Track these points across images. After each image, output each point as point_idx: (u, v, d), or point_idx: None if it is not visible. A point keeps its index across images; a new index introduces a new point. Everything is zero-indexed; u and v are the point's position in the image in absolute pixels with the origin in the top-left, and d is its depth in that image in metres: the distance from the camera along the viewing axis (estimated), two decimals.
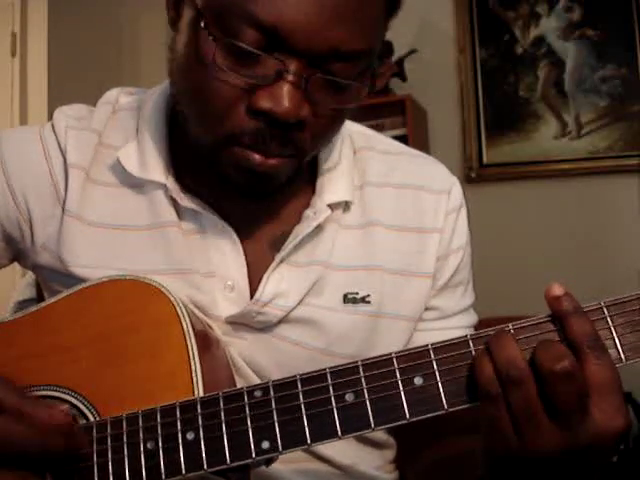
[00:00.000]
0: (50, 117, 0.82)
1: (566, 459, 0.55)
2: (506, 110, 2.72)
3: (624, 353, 0.56)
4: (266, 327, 0.76)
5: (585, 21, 2.64)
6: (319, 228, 0.77)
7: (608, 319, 0.56)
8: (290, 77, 0.62)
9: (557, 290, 0.56)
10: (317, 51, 0.62)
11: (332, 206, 0.77)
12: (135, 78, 3.09)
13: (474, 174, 2.72)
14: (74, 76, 2.87)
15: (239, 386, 0.61)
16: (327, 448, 0.78)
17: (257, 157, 0.66)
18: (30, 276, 0.98)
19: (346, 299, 0.78)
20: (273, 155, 0.67)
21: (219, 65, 0.63)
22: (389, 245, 0.80)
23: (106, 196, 0.77)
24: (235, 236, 0.76)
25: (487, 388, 0.55)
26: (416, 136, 2.58)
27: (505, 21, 2.75)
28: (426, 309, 0.83)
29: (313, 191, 0.79)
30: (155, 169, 0.75)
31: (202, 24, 0.63)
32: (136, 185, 0.77)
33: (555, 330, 0.56)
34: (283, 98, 0.62)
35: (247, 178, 0.69)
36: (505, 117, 2.72)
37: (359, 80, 0.67)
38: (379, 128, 2.53)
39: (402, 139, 2.44)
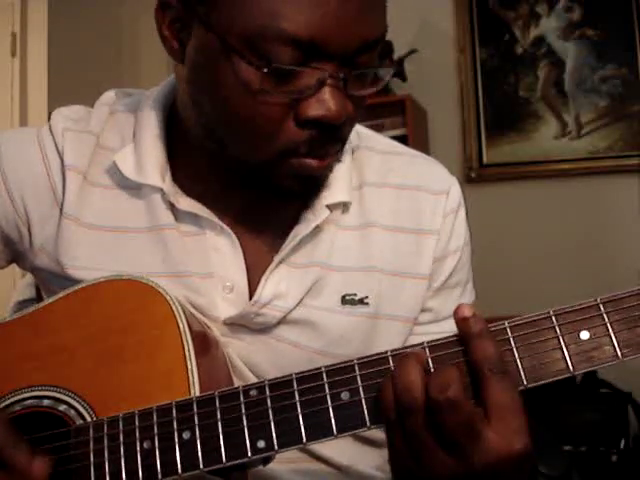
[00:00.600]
0: (50, 117, 0.82)
1: None
2: (506, 110, 2.72)
3: (620, 350, 0.56)
4: (265, 328, 0.76)
5: (585, 21, 2.65)
6: (318, 229, 0.77)
7: (604, 316, 0.56)
8: (331, 81, 0.64)
9: (466, 311, 0.57)
10: (350, 49, 0.64)
11: (331, 207, 0.77)
12: (135, 78, 3.10)
13: (474, 174, 2.72)
14: (74, 76, 2.87)
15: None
16: (325, 448, 0.77)
17: (315, 162, 0.69)
18: (30, 276, 0.98)
19: (344, 300, 0.77)
20: (328, 155, 0.70)
21: (265, 89, 0.64)
22: (386, 246, 0.80)
23: (104, 198, 0.77)
24: (234, 237, 0.76)
25: (386, 413, 0.56)
26: (416, 136, 2.58)
27: (505, 21, 2.75)
28: (422, 311, 0.83)
29: (309, 195, 0.79)
30: (152, 173, 0.75)
31: (234, 52, 0.64)
32: (134, 187, 0.77)
33: (462, 350, 0.57)
34: (331, 103, 0.64)
35: (304, 184, 0.71)
36: (505, 117, 2.72)
37: (383, 64, 0.70)
38: (379, 128, 2.53)
39: (402, 139, 2.44)
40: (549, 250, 2.60)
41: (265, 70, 0.63)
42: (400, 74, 2.70)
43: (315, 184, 0.74)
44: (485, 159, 2.73)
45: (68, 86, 2.80)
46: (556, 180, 2.64)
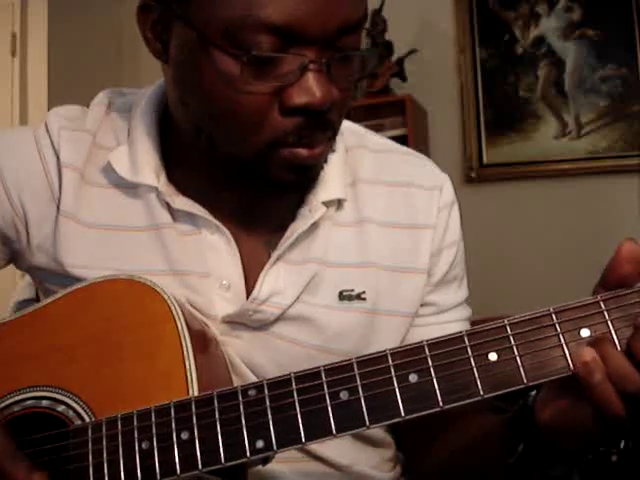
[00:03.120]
0: None
1: None
2: (506, 110, 2.72)
3: (621, 347, 0.55)
4: (263, 325, 0.76)
5: (585, 21, 2.64)
6: (314, 226, 0.77)
7: (605, 313, 0.56)
8: (313, 66, 0.64)
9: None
10: (330, 33, 0.64)
11: (326, 204, 0.77)
12: (135, 78, 3.09)
13: (474, 174, 2.72)
14: (74, 76, 2.87)
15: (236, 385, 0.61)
16: (325, 447, 0.77)
17: (305, 151, 0.68)
18: (30, 276, 0.98)
19: (342, 296, 0.78)
20: (318, 144, 0.69)
21: (246, 79, 0.64)
22: (382, 242, 0.80)
23: (101, 197, 0.77)
24: (230, 235, 0.76)
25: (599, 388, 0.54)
26: (416, 136, 2.58)
27: (505, 21, 2.75)
28: (422, 305, 0.83)
29: (306, 190, 0.79)
30: (147, 172, 0.75)
31: (213, 45, 0.64)
32: (130, 187, 0.77)
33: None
34: (315, 88, 0.64)
35: (298, 174, 0.71)
36: (505, 117, 2.72)
37: (365, 45, 0.69)
38: (379, 128, 2.53)
39: (402, 139, 2.44)
40: (549, 250, 2.60)
41: (244, 59, 0.62)
42: (400, 74, 2.70)
43: (309, 174, 0.73)
44: (485, 159, 2.73)
45: (68, 86, 2.80)
46: (556, 180, 2.64)
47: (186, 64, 0.68)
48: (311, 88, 0.64)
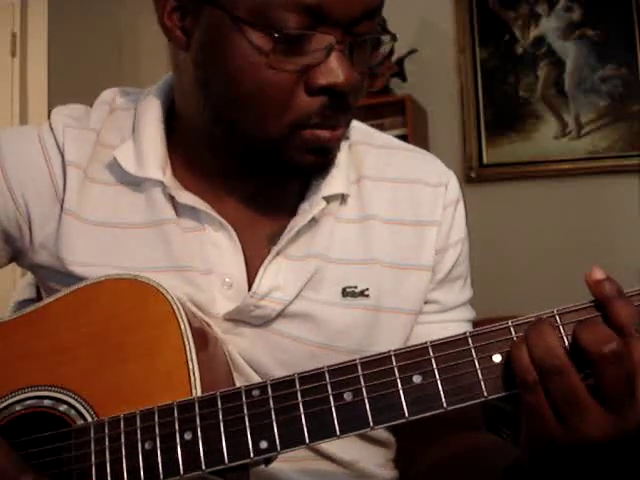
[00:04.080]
0: (50, 116, 0.82)
1: (613, 445, 0.54)
2: (506, 110, 2.72)
3: None
4: (265, 322, 0.76)
5: (585, 21, 2.65)
6: (314, 221, 0.77)
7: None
8: (338, 47, 0.66)
9: (598, 274, 0.56)
10: (354, 17, 0.65)
11: (328, 199, 0.77)
12: (135, 78, 3.10)
13: (474, 174, 2.72)
14: (74, 76, 2.87)
15: (238, 384, 0.61)
16: (329, 446, 0.77)
17: (327, 133, 0.70)
18: (30, 276, 0.98)
19: (345, 293, 0.77)
20: (339, 126, 0.71)
21: (277, 56, 0.65)
22: (386, 239, 0.80)
23: (104, 195, 0.77)
24: (232, 232, 0.76)
25: (524, 377, 0.54)
26: (416, 136, 2.58)
27: (505, 21, 2.75)
28: (426, 302, 0.83)
29: (308, 185, 0.79)
30: (152, 167, 0.75)
31: (244, 23, 0.65)
32: (133, 183, 0.77)
33: (598, 315, 0.55)
34: (339, 70, 0.66)
35: (317, 156, 0.72)
36: (505, 117, 2.72)
37: (380, 32, 0.71)
38: (379, 128, 2.49)
39: (402, 139, 2.40)
40: (549, 250, 2.60)
41: (276, 35, 0.64)
42: (400, 74, 2.70)
43: (328, 156, 0.74)
44: (485, 159, 2.73)
45: (68, 86, 2.80)
46: (556, 180, 2.64)
47: (212, 46, 0.68)
48: (336, 69, 0.66)
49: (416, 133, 2.61)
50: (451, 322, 0.84)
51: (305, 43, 0.66)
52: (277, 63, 0.66)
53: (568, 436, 0.54)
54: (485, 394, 0.56)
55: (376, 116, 2.60)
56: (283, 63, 0.66)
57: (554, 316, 0.56)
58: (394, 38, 0.72)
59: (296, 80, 0.67)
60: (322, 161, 0.74)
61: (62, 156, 0.78)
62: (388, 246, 0.80)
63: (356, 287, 0.78)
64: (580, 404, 0.53)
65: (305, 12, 0.64)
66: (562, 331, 0.56)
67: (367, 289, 0.78)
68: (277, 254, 0.76)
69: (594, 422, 0.53)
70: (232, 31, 0.66)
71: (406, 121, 2.60)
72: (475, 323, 0.88)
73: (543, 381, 0.54)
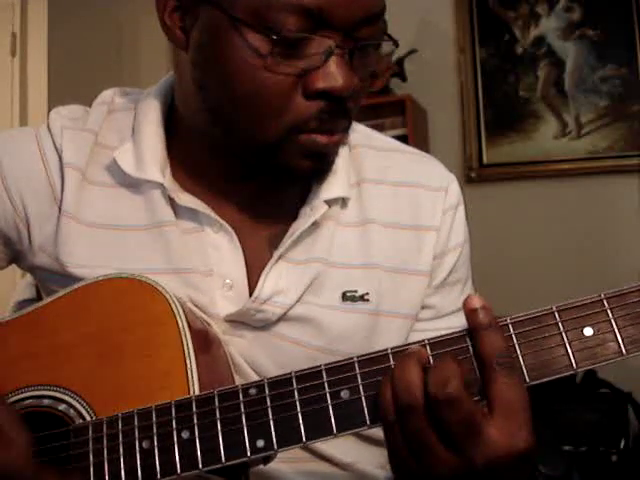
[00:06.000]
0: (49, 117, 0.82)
1: None
2: (506, 110, 2.72)
3: (625, 346, 0.55)
4: (265, 325, 0.76)
5: (585, 21, 2.64)
6: (316, 225, 0.77)
7: (608, 311, 0.55)
8: (337, 51, 0.65)
9: (475, 302, 0.56)
10: (354, 21, 0.65)
11: (329, 202, 0.77)
12: (135, 78, 3.09)
13: (474, 174, 2.72)
14: (74, 76, 2.87)
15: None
16: (328, 446, 0.77)
17: (324, 138, 0.69)
18: (30, 276, 0.98)
19: (345, 297, 0.77)
20: (337, 131, 0.70)
21: (275, 59, 0.65)
22: (386, 243, 0.80)
23: (103, 196, 0.77)
24: (233, 234, 0.76)
25: (384, 413, 0.55)
26: (416, 136, 2.58)
27: (505, 21, 2.75)
28: (422, 308, 0.83)
29: (309, 188, 0.79)
30: (152, 168, 0.75)
31: (244, 25, 0.64)
32: (133, 185, 0.77)
33: (468, 345, 0.56)
34: (337, 74, 0.65)
35: (314, 161, 0.71)
36: (505, 117, 2.72)
37: (382, 38, 0.70)
38: (379, 128, 2.53)
39: (402, 139, 2.43)
40: (549, 250, 2.59)
41: (274, 37, 0.63)
42: (400, 74, 2.70)
43: (325, 162, 0.73)
44: (485, 159, 2.73)
45: (68, 86, 2.80)
46: (556, 180, 2.64)
47: (211, 46, 0.68)
48: (334, 73, 0.65)
49: (416, 133, 2.60)
50: (445, 330, 0.83)
51: (304, 46, 0.65)
52: (275, 66, 0.65)
53: (423, 472, 0.55)
54: None
55: (376, 116, 2.60)
56: (281, 66, 0.65)
57: (425, 346, 0.57)
58: (396, 44, 0.71)
59: (294, 83, 0.66)
60: (319, 167, 0.73)
61: (60, 158, 0.78)
62: (388, 250, 0.80)
63: (356, 291, 0.78)
64: (427, 444, 0.54)
65: (305, 15, 0.63)
66: (561, 327, 0.56)
67: (367, 293, 0.78)
68: (279, 258, 0.75)
69: (442, 462, 0.54)
70: (230, 32, 0.65)
71: (406, 121, 2.60)
72: None
73: (399, 419, 0.54)
